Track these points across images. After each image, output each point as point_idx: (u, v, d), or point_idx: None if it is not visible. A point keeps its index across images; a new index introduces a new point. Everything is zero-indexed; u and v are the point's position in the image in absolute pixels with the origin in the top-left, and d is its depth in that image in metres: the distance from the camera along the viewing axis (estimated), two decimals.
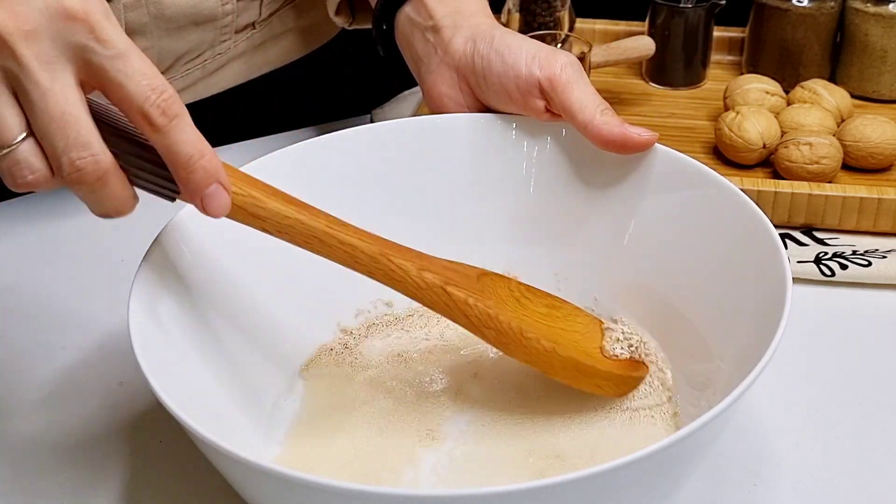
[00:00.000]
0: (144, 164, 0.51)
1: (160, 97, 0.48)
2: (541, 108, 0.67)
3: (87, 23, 0.47)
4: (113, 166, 0.49)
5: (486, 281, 0.61)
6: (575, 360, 0.60)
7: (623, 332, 0.65)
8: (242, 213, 0.54)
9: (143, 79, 0.48)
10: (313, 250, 0.56)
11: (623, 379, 0.62)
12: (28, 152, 0.48)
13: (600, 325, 0.65)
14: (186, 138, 0.50)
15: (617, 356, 0.63)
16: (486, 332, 0.58)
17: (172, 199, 0.53)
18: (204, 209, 0.51)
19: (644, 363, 0.63)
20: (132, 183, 0.51)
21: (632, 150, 0.64)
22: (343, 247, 0.56)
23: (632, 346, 0.64)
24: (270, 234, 0.55)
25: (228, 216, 0.53)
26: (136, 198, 0.52)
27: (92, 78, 0.49)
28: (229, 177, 0.53)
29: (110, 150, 0.49)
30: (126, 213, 0.51)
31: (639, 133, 0.64)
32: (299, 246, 0.56)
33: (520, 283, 0.63)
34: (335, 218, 0.57)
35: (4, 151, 0.48)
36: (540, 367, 0.59)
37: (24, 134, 0.48)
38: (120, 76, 0.48)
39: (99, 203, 0.50)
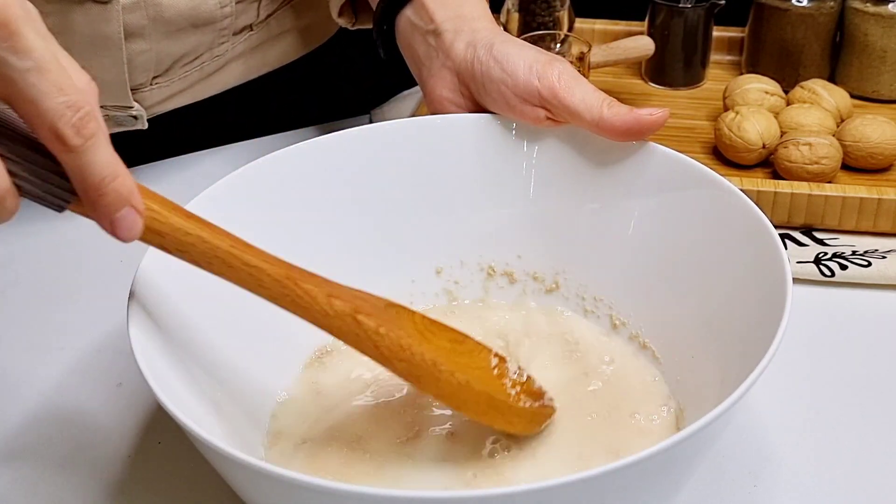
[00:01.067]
0: (37, 169, 0.47)
1: (76, 115, 0.44)
2: (540, 116, 0.66)
3: (5, 30, 0.43)
4: (9, 193, 0.45)
5: (392, 312, 0.57)
6: (488, 395, 0.56)
7: (518, 369, 0.60)
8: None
9: (59, 95, 0.44)
10: (215, 272, 0.52)
11: (533, 414, 0.58)
12: None
13: (503, 360, 0.60)
14: (100, 159, 0.45)
15: (519, 391, 0.58)
16: (397, 364, 0.54)
17: (60, 210, 0.48)
18: (113, 233, 0.48)
19: (546, 400, 0.59)
20: (18, 189, 0.46)
21: (648, 132, 0.64)
22: (247, 268, 0.52)
23: (531, 381, 0.60)
24: (169, 252, 0.52)
25: None
26: (17, 207, 0.47)
27: (1, 90, 0.44)
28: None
29: None
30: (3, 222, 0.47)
31: (650, 113, 0.63)
32: (200, 267, 0.52)
33: (423, 317, 0.58)
34: (240, 239, 0.53)
35: None
36: (452, 402, 0.56)
37: None
38: (32, 91, 0.43)
39: None
